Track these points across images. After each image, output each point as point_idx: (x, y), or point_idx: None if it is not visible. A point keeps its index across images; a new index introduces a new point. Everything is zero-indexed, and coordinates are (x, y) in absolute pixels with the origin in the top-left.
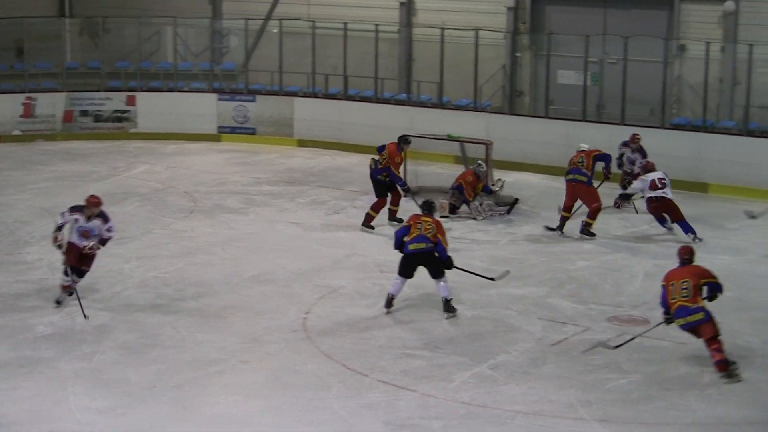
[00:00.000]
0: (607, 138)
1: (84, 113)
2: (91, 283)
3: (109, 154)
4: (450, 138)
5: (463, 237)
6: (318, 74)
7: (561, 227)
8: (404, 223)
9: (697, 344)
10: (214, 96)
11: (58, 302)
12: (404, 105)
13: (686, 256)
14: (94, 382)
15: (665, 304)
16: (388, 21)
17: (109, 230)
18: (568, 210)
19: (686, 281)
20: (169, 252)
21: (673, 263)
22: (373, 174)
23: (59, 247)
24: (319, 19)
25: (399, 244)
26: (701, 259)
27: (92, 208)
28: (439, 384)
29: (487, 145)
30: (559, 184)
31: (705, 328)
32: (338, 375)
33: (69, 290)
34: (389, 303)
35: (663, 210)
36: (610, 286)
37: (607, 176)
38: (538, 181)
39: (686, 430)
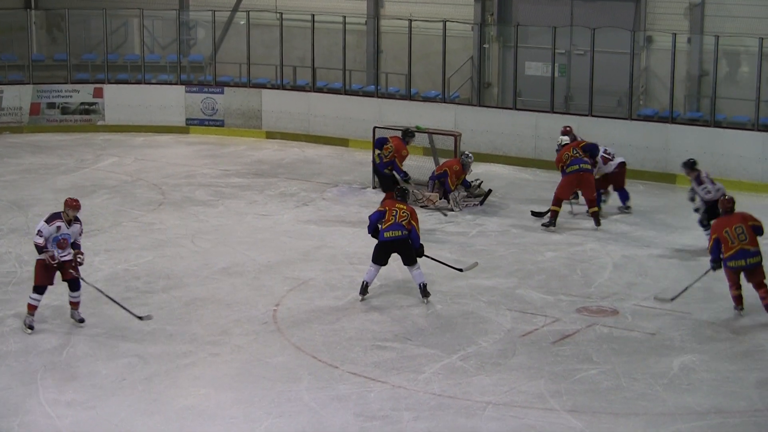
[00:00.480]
0: (575, 129)
1: (51, 105)
2: (58, 275)
3: (77, 147)
4: (418, 130)
5: (434, 228)
6: (286, 66)
7: (553, 222)
8: (379, 208)
9: (665, 334)
10: (182, 88)
11: (31, 327)
12: (372, 97)
13: (729, 205)
14: (64, 375)
15: (715, 251)
16: (356, 13)
17: (80, 234)
18: (560, 204)
19: (739, 226)
20: (139, 245)
21: (640, 253)
22: (379, 168)
23: (58, 264)
24: (286, 10)
25: (373, 230)
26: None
27: (71, 210)
28: (410, 375)
29: (456, 136)
30: (527, 176)
31: (759, 271)
32: (308, 367)
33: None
34: (364, 290)
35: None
36: (579, 276)
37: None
38: (507, 173)
39: (656, 420)
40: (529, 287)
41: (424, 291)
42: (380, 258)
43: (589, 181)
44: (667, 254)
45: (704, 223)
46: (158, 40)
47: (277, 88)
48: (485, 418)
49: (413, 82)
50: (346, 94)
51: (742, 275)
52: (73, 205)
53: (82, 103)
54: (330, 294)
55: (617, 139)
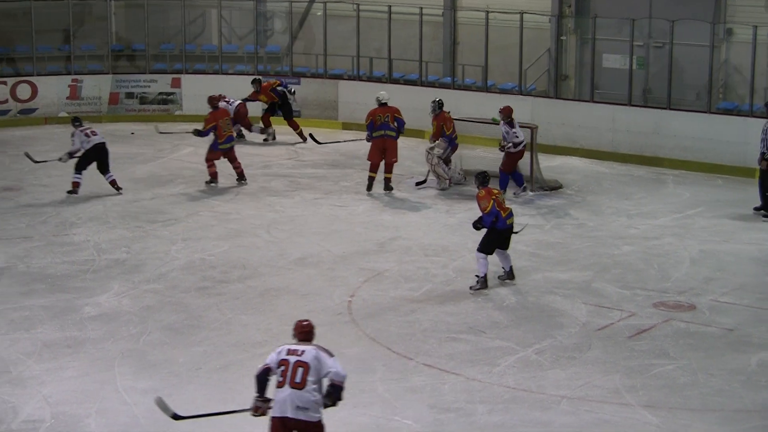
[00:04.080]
0: (653, 122)
1: (130, 95)
2: (138, 264)
3: (155, 137)
4: (494, 122)
5: None
6: (362, 57)
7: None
8: (483, 196)
9: (743, 330)
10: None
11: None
12: (449, 88)
13: None
14: (140, 362)
15: None
16: (433, 4)
17: None
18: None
19: None
20: (215, 234)
21: (718, 248)
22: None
23: None
24: (363, 2)
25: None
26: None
27: None
28: (484, 368)
29: (532, 129)
30: (604, 169)
31: None
32: (383, 358)
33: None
34: (484, 284)
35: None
36: (656, 271)
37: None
38: (583, 166)
39: (732, 417)
40: (604, 281)
41: (511, 274)
42: (494, 246)
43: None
44: (745, 249)
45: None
46: (236, 30)
47: (354, 79)
48: (559, 412)
49: (490, 73)
50: (422, 85)
51: None
52: None
53: (160, 93)
54: (405, 285)
55: (696, 132)
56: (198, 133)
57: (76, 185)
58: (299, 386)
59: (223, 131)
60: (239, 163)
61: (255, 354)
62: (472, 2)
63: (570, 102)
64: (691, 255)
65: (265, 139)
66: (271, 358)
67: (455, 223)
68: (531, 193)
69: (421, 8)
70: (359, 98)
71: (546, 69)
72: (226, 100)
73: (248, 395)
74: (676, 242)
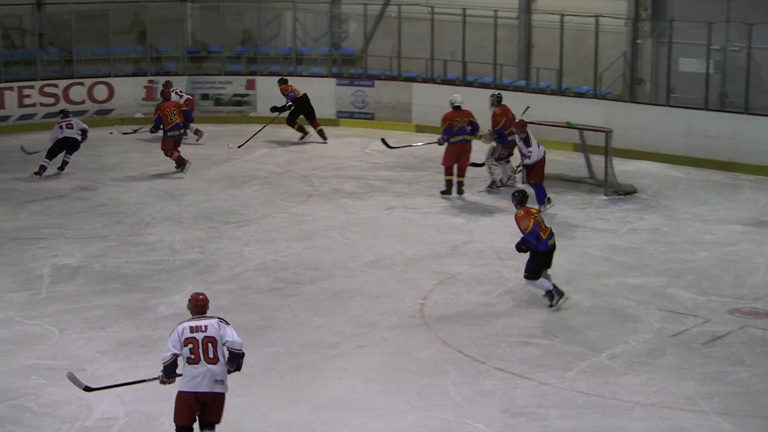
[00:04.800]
0: (730, 127)
1: (204, 97)
2: (211, 264)
3: (229, 138)
4: (569, 125)
5: (582, 225)
6: (436, 60)
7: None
8: (522, 216)
9: None
10: (332, 81)
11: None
12: (523, 91)
13: None
14: None
15: None
16: (508, 7)
17: None
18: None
19: None
20: (288, 235)
21: None
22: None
23: None
24: (437, 4)
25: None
26: None
27: None
28: (557, 373)
29: (607, 133)
30: (679, 174)
31: None
32: (455, 361)
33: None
34: (559, 292)
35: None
36: (732, 277)
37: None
38: (658, 170)
39: None
40: (679, 287)
41: (559, 291)
42: (540, 270)
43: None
44: None
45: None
46: (310, 33)
47: (428, 82)
48: (632, 419)
49: (564, 77)
50: (496, 88)
51: None
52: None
53: (234, 95)
54: (477, 289)
55: None
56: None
57: (42, 168)
58: (213, 361)
59: (169, 119)
60: (179, 151)
61: (327, 355)
62: (547, 5)
63: (645, 106)
64: (767, 261)
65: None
66: (174, 343)
67: None
68: (551, 206)
69: (496, 11)
70: (433, 101)
71: (621, 73)
72: (179, 93)
73: (321, 396)
74: (752, 248)
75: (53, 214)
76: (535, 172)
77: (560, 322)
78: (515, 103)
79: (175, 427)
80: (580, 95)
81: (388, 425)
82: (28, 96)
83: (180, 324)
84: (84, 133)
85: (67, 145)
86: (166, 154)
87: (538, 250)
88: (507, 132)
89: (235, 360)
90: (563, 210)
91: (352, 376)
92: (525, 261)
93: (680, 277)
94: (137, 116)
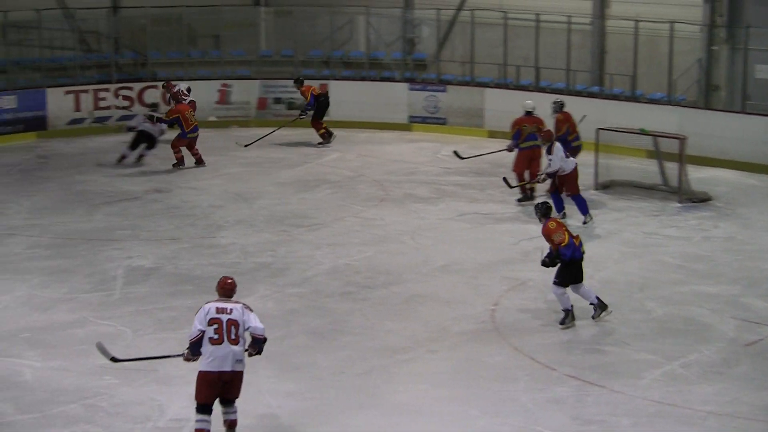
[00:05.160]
0: None
1: (277, 101)
2: (283, 268)
3: (302, 142)
4: (642, 132)
5: (655, 233)
6: (509, 65)
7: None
8: (555, 227)
9: None
10: (405, 86)
11: None
12: (596, 98)
13: None
14: (284, 365)
15: None
16: (581, 12)
17: None
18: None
19: None
20: (359, 240)
21: None
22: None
23: None
24: (511, 9)
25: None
26: None
27: None
28: (629, 381)
29: (681, 140)
30: (755, 182)
31: None
32: (525, 368)
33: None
34: (573, 316)
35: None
36: None
37: None
38: (733, 178)
39: None
40: (754, 296)
41: (603, 304)
42: (570, 278)
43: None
44: None
45: None
46: (383, 37)
47: (501, 87)
48: (706, 428)
49: (638, 83)
50: (569, 94)
51: None
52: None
53: None
54: (549, 295)
55: None
56: (160, 120)
57: (123, 157)
58: (235, 342)
59: (189, 122)
60: (198, 149)
61: (398, 360)
62: (621, 11)
63: (720, 113)
64: None
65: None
66: (200, 320)
67: (601, 233)
68: (590, 221)
69: (569, 17)
70: (506, 106)
71: (696, 79)
72: (184, 93)
73: (391, 401)
74: None
75: (127, 216)
76: (569, 183)
77: (632, 329)
78: (589, 109)
79: (196, 405)
80: (654, 102)
81: (458, 431)
82: (104, 99)
83: (206, 303)
84: (161, 134)
85: (146, 139)
86: (174, 150)
87: (574, 258)
88: (570, 138)
89: (258, 345)
90: (636, 217)
91: (422, 381)
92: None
93: (755, 285)
94: (210, 119)
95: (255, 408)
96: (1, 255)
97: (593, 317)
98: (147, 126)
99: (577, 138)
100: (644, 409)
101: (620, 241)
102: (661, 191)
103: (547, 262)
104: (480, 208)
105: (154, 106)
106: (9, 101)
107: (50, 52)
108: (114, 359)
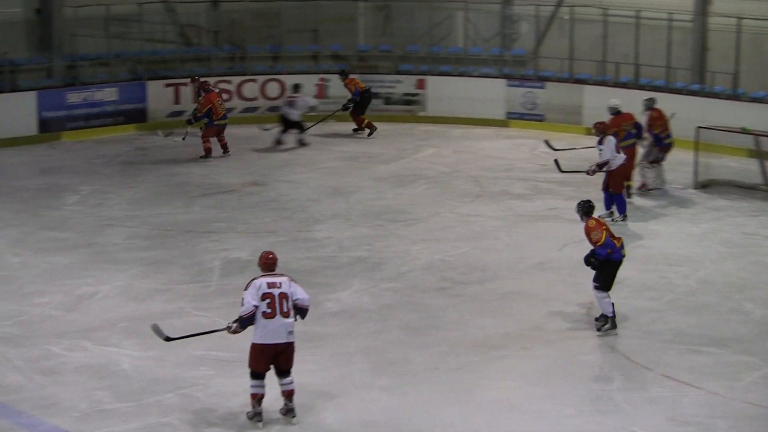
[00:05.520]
0: None
1: (375, 95)
2: (379, 262)
3: (398, 137)
4: (744, 131)
5: (755, 233)
6: (608, 62)
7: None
8: (594, 227)
9: None
10: (503, 82)
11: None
12: (696, 96)
13: None
14: (378, 360)
15: None
16: (682, 9)
17: None
18: None
19: None
20: (455, 235)
21: None
22: None
23: None
24: (611, 6)
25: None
26: None
27: None
28: (727, 383)
29: None
30: None
31: None
32: (621, 367)
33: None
34: (614, 323)
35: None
36: None
37: None
38: None
39: None
40: None
41: (615, 323)
42: (612, 281)
43: None
44: None
45: None
46: (481, 33)
47: (599, 84)
48: None
49: (740, 81)
50: (669, 92)
51: None
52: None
53: (404, 94)
54: (645, 294)
55: None
56: (195, 118)
57: (278, 142)
58: (287, 314)
59: (218, 110)
60: (224, 137)
61: (492, 357)
62: (723, 8)
63: None
64: None
65: (369, 134)
66: (253, 296)
67: (699, 232)
68: (620, 220)
69: (671, 13)
70: (604, 103)
71: None
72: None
73: (485, 397)
74: None
75: (224, 209)
76: (613, 180)
77: (731, 330)
78: (689, 107)
79: (251, 373)
80: (756, 100)
81: (552, 429)
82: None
83: (255, 279)
84: (311, 109)
85: (289, 123)
86: (203, 139)
87: (611, 259)
88: (663, 135)
89: (302, 314)
90: (736, 217)
91: (516, 379)
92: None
93: None
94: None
95: (349, 401)
96: (101, 245)
97: (597, 329)
98: (289, 110)
99: (669, 135)
100: (742, 411)
101: (719, 240)
102: (761, 191)
103: (586, 261)
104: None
105: (297, 87)
106: (110, 93)
107: (151, 45)
108: (168, 338)
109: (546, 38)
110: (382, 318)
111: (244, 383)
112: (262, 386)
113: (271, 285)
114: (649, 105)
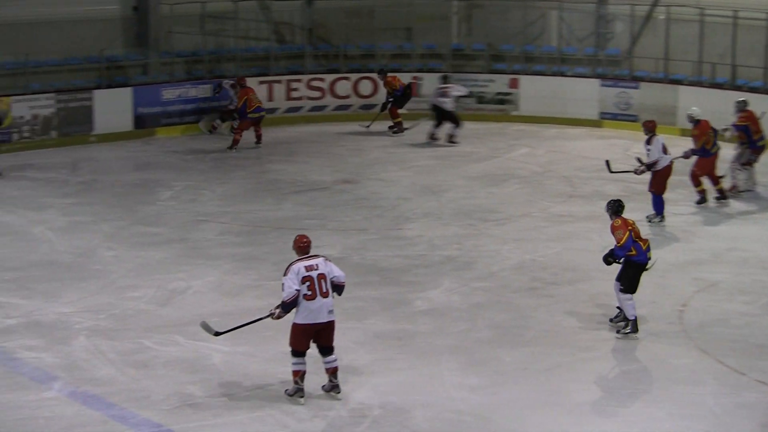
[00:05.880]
0: None
1: (467, 94)
2: (469, 261)
3: (491, 136)
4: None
5: None
6: (704, 62)
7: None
8: (619, 226)
9: None
10: (596, 82)
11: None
12: None
13: None
14: (468, 359)
15: None
16: None
17: None
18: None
19: None
20: (547, 236)
21: None
22: None
23: None
24: (707, 5)
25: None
26: None
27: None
28: None
29: None
30: None
31: None
32: (713, 371)
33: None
34: (636, 327)
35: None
36: None
37: None
38: None
39: None
40: None
41: (636, 327)
42: (637, 282)
43: None
44: None
45: None
46: (575, 33)
47: (695, 85)
48: None
49: None
50: (766, 93)
51: None
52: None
53: (497, 93)
54: (739, 298)
55: None
56: (236, 110)
57: (432, 137)
58: (326, 295)
59: (253, 103)
60: (260, 128)
61: (582, 358)
62: None
63: None
64: None
65: (394, 131)
66: (293, 281)
67: None
68: (658, 221)
69: None
70: (700, 104)
71: None
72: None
73: (575, 399)
74: None
75: (316, 206)
76: (656, 180)
77: None
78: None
79: (292, 351)
80: None
81: None
82: (296, 89)
83: (293, 264)
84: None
85: (443, 114)
86: (235, 131)
87: (633, 260)
88: (756, 137)
89: (339, 291)
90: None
91: (607, 381)
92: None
93: None
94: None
95: (438, 400)
96: (195, 240)
97: (618, 331)
98: (442, 100)
99: (762, 138)
100: None
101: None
102: None
103: (604, 259)
104: (669, 207)
105: (446, 78)
106: (206, 90)
107: (245, 42)
108: (217, 333)
109: (641, 38)
110: (471, 317)
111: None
112: (304, 363)
113: (308, 268)
114: (741, 107)
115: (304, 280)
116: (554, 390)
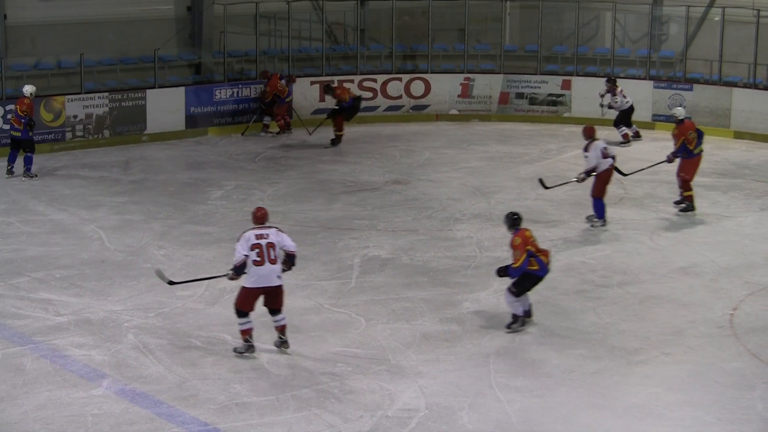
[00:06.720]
0: None
1: (519, 95)
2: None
3: (542, 137)
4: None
5: None
6: (760, 65)
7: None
8: (519, 247)
9: None
10: (650, 83)
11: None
12: None
13: None
14: (515, 361)
15: None
16: None
17: None
18: None
19: None
20: (596, 238)
21: None
22: None
23: None
24: (764, 7)
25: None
26: None
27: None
28: None
29: None
30: None
31: None
32: (764, 375)
33: None
34: (523, 321)
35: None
36: None
37: None
38: None
39: None
40: None
41: (529, 313)
42: (526, 291)
43: None
44: None
45: None
46: (629, 34)
47: (749, 87)
48: None
49: None
50: None
51: None
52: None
53: (549, 95)
54: None
55: None
56: (264, 103)
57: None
58: (274, 261)
59: (284, 90)
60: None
61: (631, 361)
62: None
63: None
64: None
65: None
66: (243, 247)
67: None
68: (600, 224)
69: None
70: (755, 107)
71: None
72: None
73: (622, 402)
74: None
75: (366, 206)
76: (596, 184)
77: None
78: None
79: (237, 311)
80: None
81: None
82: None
83: (246, 232)
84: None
85: (622, 115)
86: (276, 118)
87: (534, 274)
88: None
89: (291, 260)
90: None
91: (655, 384)
92: None
93: None
94: (452, 113)
95: (485, 402)
96: None
97: (508, 328)
98: (620, 100)
99: None
100: None
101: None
102: None
103: (498, 272)
104: (722, 210)
105: (612, 81)
106: (258, 90)
107: (298, 42)
108: (171, 282)
109: (695, 40)
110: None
111: (381, 380)
112: (250, 321)
113: (259, 236)
114: None
115: (253, 247)
116: (602, 393)
